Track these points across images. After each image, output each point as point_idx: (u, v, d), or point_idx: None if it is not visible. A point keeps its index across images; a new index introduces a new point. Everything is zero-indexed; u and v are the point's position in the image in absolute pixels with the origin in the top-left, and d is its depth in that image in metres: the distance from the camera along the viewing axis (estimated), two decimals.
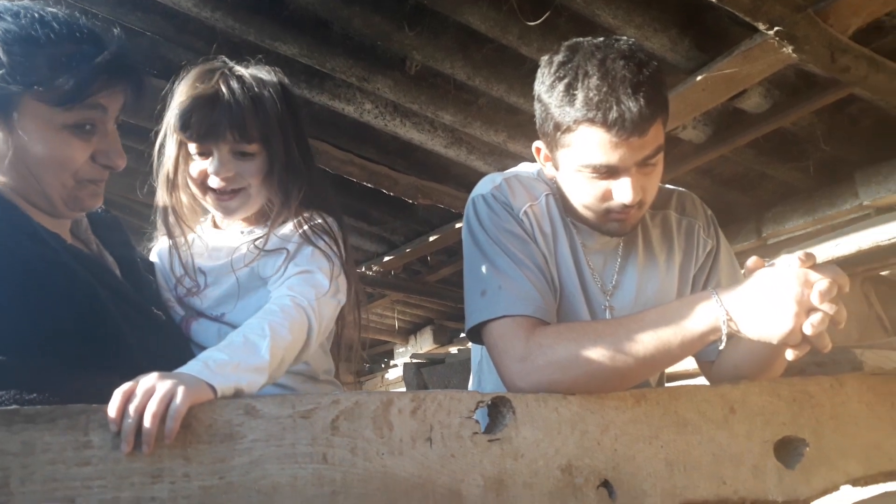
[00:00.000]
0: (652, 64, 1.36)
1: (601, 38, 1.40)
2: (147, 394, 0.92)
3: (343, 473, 1.03)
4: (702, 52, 2.21)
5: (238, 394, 1.05)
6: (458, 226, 3.66)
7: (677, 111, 2.37)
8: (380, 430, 1.08)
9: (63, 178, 1.20)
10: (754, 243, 3.09)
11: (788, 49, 1.82)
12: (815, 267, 1.22)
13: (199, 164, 1.43)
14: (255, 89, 1.43)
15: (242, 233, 1.50)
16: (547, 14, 2.10)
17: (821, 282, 1.18)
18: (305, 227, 1.42)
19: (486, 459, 1.16)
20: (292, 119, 1.49)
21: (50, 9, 1.19)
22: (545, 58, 1.44)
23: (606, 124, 1.31)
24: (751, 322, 1.23)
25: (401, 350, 7.19)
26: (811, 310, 1.19)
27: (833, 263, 1.25)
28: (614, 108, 1.30)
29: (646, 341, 1.28)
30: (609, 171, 1.37)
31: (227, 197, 1.44)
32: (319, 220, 1.45)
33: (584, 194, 1.43)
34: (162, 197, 1.48)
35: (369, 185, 3.17)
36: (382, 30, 2.30)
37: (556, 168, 1.46)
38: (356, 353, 1.64)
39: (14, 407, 0.89)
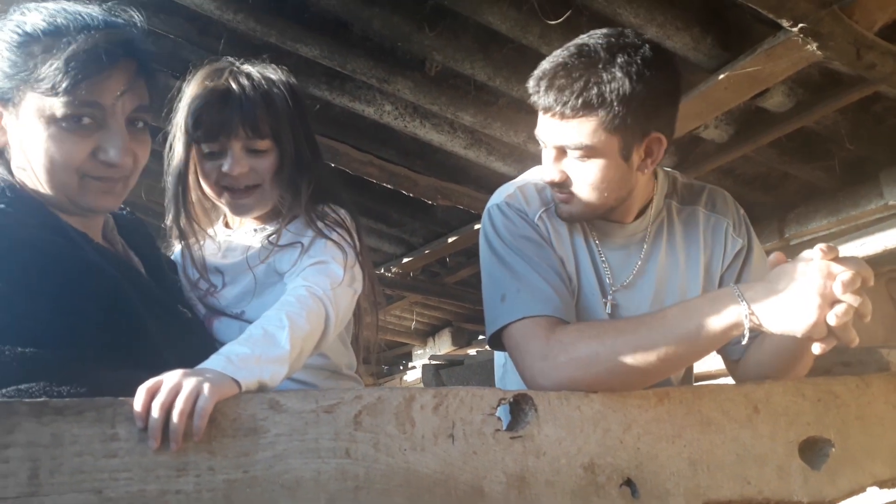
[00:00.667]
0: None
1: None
2: (173, 391, 0.93)
3: (366, 469, 1.04)
4: (724, 51, 2.19)
5: (262, 387, 1.05)
6: (477, 227, 3.63)
7: (699, 110, 2.35)
8: (402, 426, 1.09)
9: (64, 175, 1.17)
10: (777, 244, 3.06)
11: (813, 46, 1.80)
12: (838, 259, 1.21)
13: (212, 164, 1.44)
14: (265, 86, 1.44)
15: (255, 231, 1.51)
16: (568, 13, 2.10)
17: (844, 273, 1.17)
18: (318, 221, 1.43)
19: (509, 457, 1.15)
20: (301, 116, 1.50)
21: (74, 5, 1.20)
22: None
23: (535, 98, 1.42)
24: (773, 316, 1.22)
25: (419, 352, 7.19)
26: (835, 302, 1.18)
27: (856, 256, 1.23)
28: (538, 85, 1.40)
29: (667, 337, 1.27)
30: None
31: (243, 195, 1.45)
32: (331, 213, 1.46)
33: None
34: (172, 199, 1.49)
35: (389, 187, 3.18)
36: (402, 31, 2.31)
37: None
38: (374, 354, 1.65)
39: (43, 399, 0.90)
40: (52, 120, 1.14)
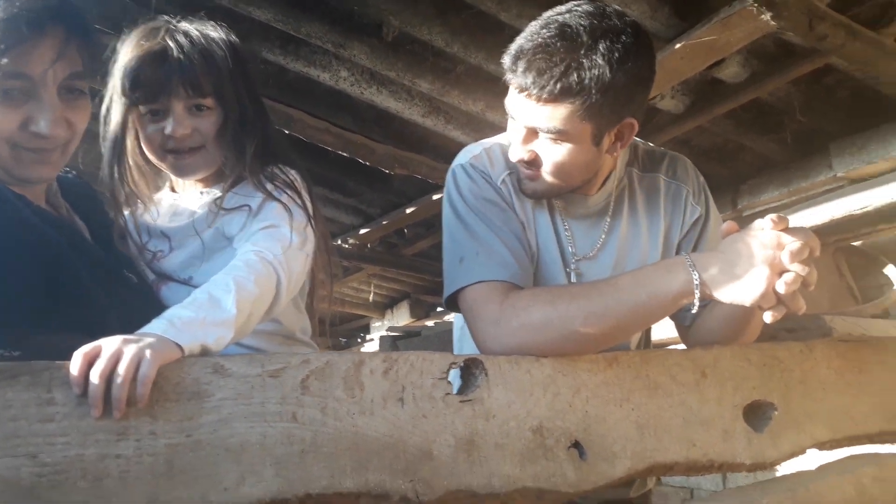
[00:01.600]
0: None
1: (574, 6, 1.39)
2: (113, 358, 0.91)
3: (313, 433, 1.03)
4: (681, 20, 2.20)
5: (205, 351, 1.03)
6: (435, 197, 3.64)
7: (656, 80, 2.35)
8: (351, 391, 1.08)
9: None
10: (730, 215, 3.10)
11: (767, 16, 1.81)
12: (788, 230, 1.22)
13: (154, 127, 1.39)
14: (203, 43, 1.39)
15: (202, 193, 1.47)
16: None
17: (793, 243, 1.19)
18: (266, 183, 1.39)
19: (458, 420, 1.15)
20: (243, 74, 1.46)
21: None
22: None
23: (514, 78, 1.36)
24: (724, 286, 1.23)
25: (377, 324, 7.19)
26: (783, 271, 1.19)
27: (804, 227, 1.26)
28: (528, 66, 1.33)
29: (619, 304, 1.28)
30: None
31: (186, 156, 1.41)
32: (281, 174, 1.43)
33: None
34: (108, 165, 1.44)
35: (345, 155, 3.14)
36: None
37: None
38: (328, 326, 1.63)
39: None
40: None
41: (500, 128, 2.49)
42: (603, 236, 1.58)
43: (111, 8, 2.40)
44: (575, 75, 1.31)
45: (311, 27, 2.38)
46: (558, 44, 1.31)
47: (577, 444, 1.25)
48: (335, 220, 4.30)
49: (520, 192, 1.51)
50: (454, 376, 1.19)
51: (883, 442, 1.76)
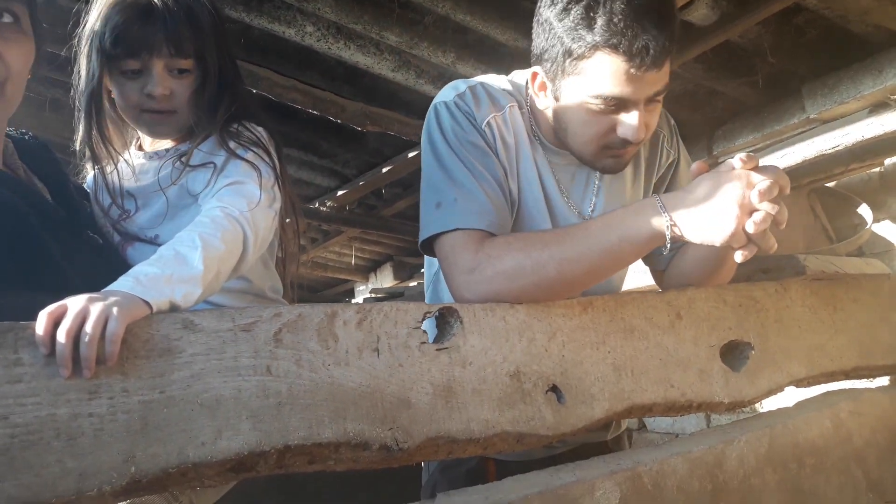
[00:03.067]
0: None
1: None
2: (79, 316, 0.89)
3: (289, 385, 1.02)
4: None
5: (174, 307, 1.02)
6: (411, 155, 3.60)
7: None
8: (325, 342, 1.07)
9: None
10: (706, 161, 3.10)
11: None
12: (758, 169, 1.22)
13: (132, 84, 1.36)
14: (187, 1, 1.36)
15: (168, 151, 1.44)
16: None
17: (762, 182, 1.18)
18: (230, 140, 1.37)
19: (435, 368, 1.16)
20: (223, 34, 1.43)
21: None
22: None
23: (629, 53, 1.25)
24: (694, 226, 1.23)
25: (361, 288, 7.18)
26: (753, 210, 1.19)
27: (774, 165, 1.25)
28: (640, 36, 1.24)
29: (591, 248, 1.28)
30: (618, 105, 1.32)
31: (162, 118, 1.39)
32: (247, 132, 1.40)
33: (585, 127, 1.37)
34: (85, 119, 1.40)
35: (315, 113, 3.08)
36: None
37: (557, 98, 1.39)
38: (296, 288, 1.62)
39: None
40: None
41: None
42: (597, 183, 1.56)
43: None
44: (673, 23, 1.28)
45: None
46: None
47: (554, 388, 1.26)
48: (311, 183, 4.25)
49: (505, 130, 1.46)
50: (429, 325, 1.19)
51: (858, 377, 1.79)
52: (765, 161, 2.70)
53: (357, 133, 3.53)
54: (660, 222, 1.25)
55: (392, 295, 5.63)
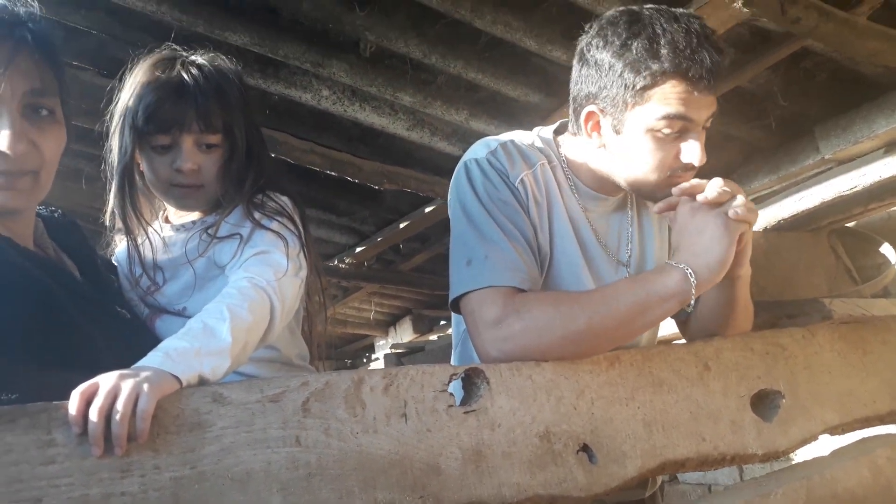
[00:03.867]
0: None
1: (649, 5, 1.41)
2: (111, 394, 0.90)
3: (318, 455, 1.02)
4: (628, 5, 2.19)
5: (203, 381, 1.02)
6: (427, 210, 3.63)
7: None
8: (352, 410, 1.07)
9: None
10: None
11: (738, 3, 1.82)
12: (694, 187, 1.36)
13: (161, 159, 1.39)
14: (217, 78, 1.40)
15: (195, 223, 1.47)
16: None
17: (708, 189, 1.35)
18: (255, 212, 1.39)
19: (463, 431, 1.15)
20: (249, 107, 1.47)
21: None
22: (600, 23, 1.43)
23: (695, 77, 1.32)
24: (703, 263, 1.31)
25: (381, 343, 7.16)
26: (738, 224, 1.32)
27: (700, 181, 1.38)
28: (704, 60, 1.31)
29: (620, 301, 1.29)
30: (681, 130, 1.37)
31: (190, 192, 1.42)
32: (271, 202, 1.43)
33: (651, 155, 1.40)
34: (118, 193, 1.43)
35: (333, 174, 3.13)
36: (332, 12, 2.26)
37: (618, 132, 1.42)
38: (323, 348, 1.62)
39: None
40: None
41: (484, 136, 2.49)
42: (630, 229, 1.59)
43: (87, 43, 2.40)
44: (724, 48, 1.35)
45: (289, 48, 2.38)
46: (697, 26, 1.34)
47: (585, 447, 1.24)
48: (329, 241, 4.29)
49: (537, 187, 1.48)
50: (455, 387, 1.19)
51: (893, 422, 1.75)
52: (783, 204, 2.70)
53: (374, 190, 3.57)
54: (683, 275, 1.29)
55: (413, 350, 5.62)
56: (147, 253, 1.45)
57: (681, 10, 1.39)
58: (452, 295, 1.39)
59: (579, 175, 1.53)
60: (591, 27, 1.45)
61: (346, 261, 4.44)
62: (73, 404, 0.89)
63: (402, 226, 3.89)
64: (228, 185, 1.42)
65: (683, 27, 1.33)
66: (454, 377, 1.18)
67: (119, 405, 0.89)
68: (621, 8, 1.43)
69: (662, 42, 1.32)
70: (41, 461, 0.87)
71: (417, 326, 6.49)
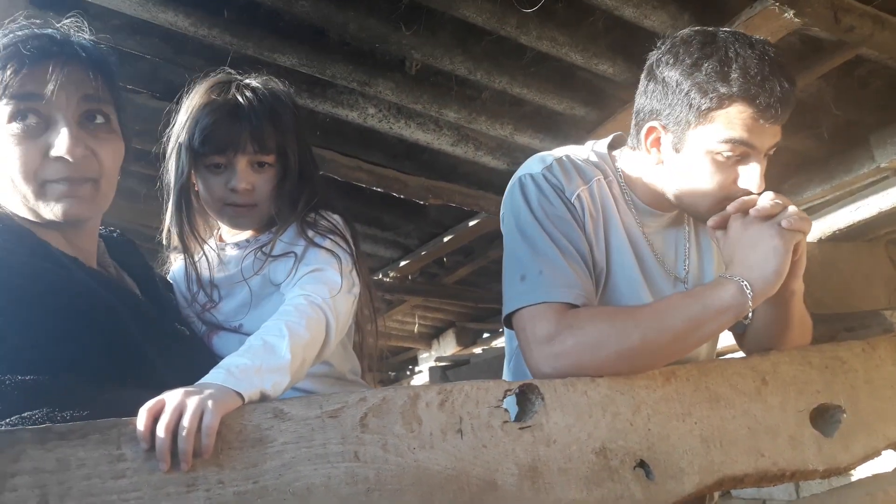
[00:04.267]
0: None
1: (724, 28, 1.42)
2: (177, 411, 0.93)
3: (376, 470, 1.03)
4: (703, 26, 2.18)
5: (264, 397, 1.04)
6: (471, 224, 3.65)
7: None
8: (409, 425, 1.08)
9: (26, 182, 1.13)
10: None
11: (790, 14, 1.80)
12: (744, 202, 1.37)
13: (216, 179, 1.43)
14: (270, 100, 1.44)
15: (248, 241, 1.50)
16: (543, 1, 2.09)
17: (761, 203, 1.35)
18: (308, 230, 1.41)
19: (519, 447, 1.15)
20: (302, 128, 1.50)
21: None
22: (673, 40, 1.42)
23: (763, 104, 1.30)
24: (757, 276, 1.30)
25: (424, 355, 7.19)
26: (791, 234, 1.32)
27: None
28: (774, 89, 1.30)
29: (675, 315, 1.29)
30: (742, 155, 1.36)
31: (244, 211, 1.45)
32: (323, 221, 1.45)
33: (709, 178, 1.40)
34: (176, 212, 1.47)
35: (379, 190, 3.16)
36: (379, 32, 2.30)
37: (678, 150, 1.41)
38: (376, 361, 1.64)
39: (46, 425, 0.90)
40: (2, 127, 1.12)
41: (529, 149, 2.50)
42: (687, 245, 1.58)
43: (141, 67, 2.48)
44: (796, 79, 1.34)
45: (336, 68, 2.42)
46: (772, 53, 1.33)
47: (642, 464, 1.23)
48: (374, 255, 4.33)
49: (593, 203, 1.47)
50: (510, 403, 1.18)
51: None
52: (838, 214, 2.65)
53: (418, 205, 3.60)
54: (739, 287, 1.29)
55: (457, 363, 5.61)
56: (203, 271, 1.49)
57: (757, 36, 1.38)
58: (506, 311, 1.39)
59: (635, 190, 1.52)
60: (662, 43, 1.44)
61: (391, 274, 4.48)
62: (141, 421, 0.91)
63: (446, 239, 3.91)
64: (282, 205, 1.45)
65: (757, 53, 1.31)
66: (508, 393, 1.18)
67: (185, 422, 0.92)
68: (697, 27, 1.42)
69: (734, 66, 1.31)
70: (112, 475, 0.89)
71: (461, 339, 6.50)
